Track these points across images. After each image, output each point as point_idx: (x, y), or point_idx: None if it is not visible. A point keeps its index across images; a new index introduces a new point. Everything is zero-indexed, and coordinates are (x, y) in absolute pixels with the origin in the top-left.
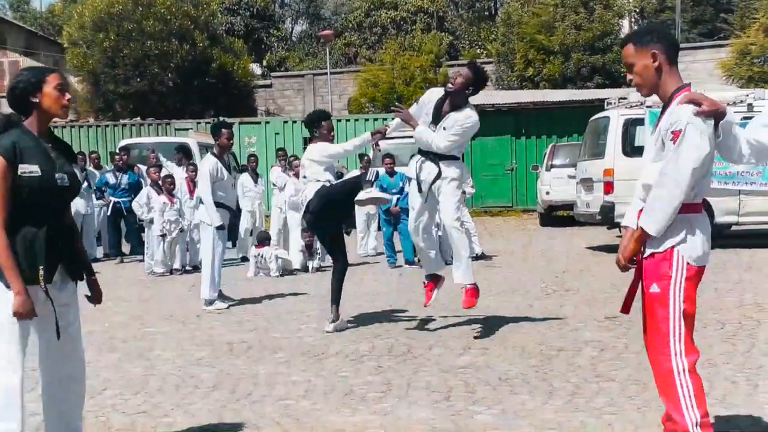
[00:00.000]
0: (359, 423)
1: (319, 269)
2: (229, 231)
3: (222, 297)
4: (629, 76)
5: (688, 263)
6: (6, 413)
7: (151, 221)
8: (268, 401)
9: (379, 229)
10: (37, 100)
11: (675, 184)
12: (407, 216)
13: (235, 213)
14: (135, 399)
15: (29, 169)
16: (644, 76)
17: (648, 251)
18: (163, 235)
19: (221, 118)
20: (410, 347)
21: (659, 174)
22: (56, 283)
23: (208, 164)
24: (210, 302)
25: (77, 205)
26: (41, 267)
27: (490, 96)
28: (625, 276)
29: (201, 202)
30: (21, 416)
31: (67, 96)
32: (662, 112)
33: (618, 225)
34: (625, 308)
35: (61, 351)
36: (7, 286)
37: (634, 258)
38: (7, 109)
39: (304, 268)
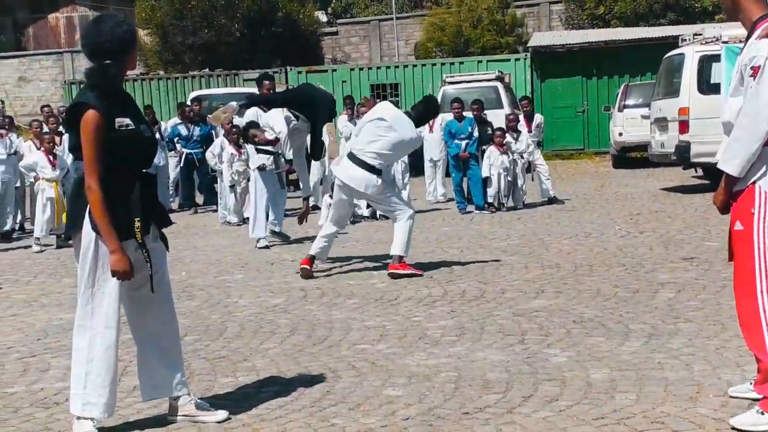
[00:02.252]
0: (433, 366)
1: (387, 216)
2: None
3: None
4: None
5: None
6: (101, 372)
7: (222, 172)
8: (343, 345)
9: (448, 175)
10: (128, 56)
11: (755, 123)
12: (476, 161)
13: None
14: (214, 344)
15: (125, 122)
16: (724, 3)
17: (734, 189)
18: (233, 186)
19: (289, 68)
20: (483, 291)
21: (740, 113)
22: (149, 235)
23: (251, 113)
24: (261, 238)
25: None
26: (137, 219)
27: (559, 36)
28: (701, 216)
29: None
30: (114, 374)
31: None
32: (745, 43)
33: (694, 165)
34: (731, 257)
35: (153, 298)
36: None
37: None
38: (85, 63)
39: (373, 215)
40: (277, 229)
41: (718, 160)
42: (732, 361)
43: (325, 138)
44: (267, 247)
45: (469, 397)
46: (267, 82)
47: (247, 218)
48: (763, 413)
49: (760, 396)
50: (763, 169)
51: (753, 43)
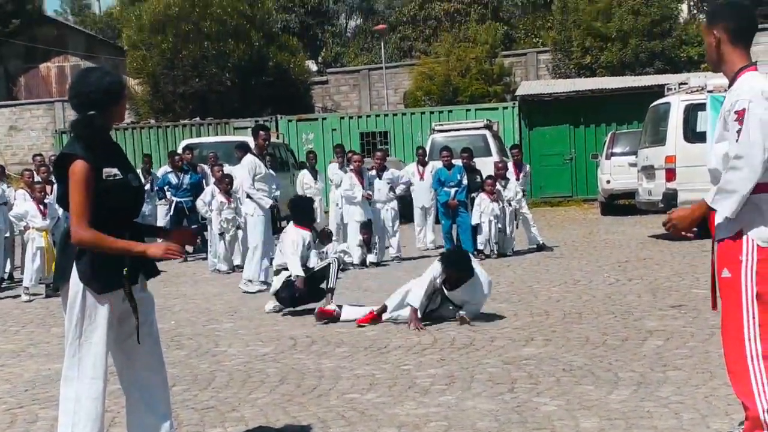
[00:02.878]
0: (423, 415)
1: (378, 264)
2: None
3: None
4: None
5: (758, 245)
6: (88, 423)
7: (211, 220)
8: (333, 395)
9: (437, 222)
10: (116, 107)
11: (748, 165)
12: (465, 209)
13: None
14: (203, 394)
15: (113, 172)
16: (709, 54)
17: (719, 237)
18: (222, 234)
19: (279, 117)
20: (472, 339)
21: (730, 157)
22: (137, 285)
23: (247, 161)
24: (250, 281)
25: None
26: (125, 269)
27: (547, 85)
28: (689, 264)
29: (247, 197)
30: (100, 425)
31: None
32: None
33: None
34: (714, 304)
35: (142, 348)
36: (98, 292)
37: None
38: (70, 113)
39: (362, 263)
40: (262, 278)
41: (711, 202)
42: (721, 410)
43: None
44: (258, 291)
45: None
46: (262, 132)
47: (237, 266)
48: None
49: None
50: (750, 216)
51: (735, 88)
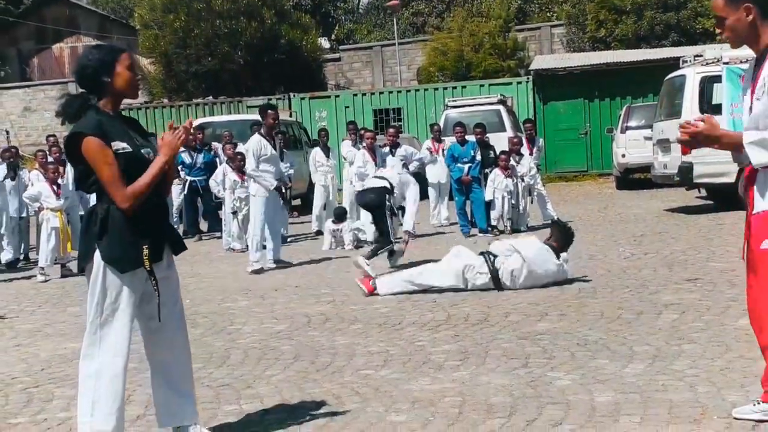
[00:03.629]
0: (437, 391)
1: None
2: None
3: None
4: (719, 29)
5: None
6: (108, 400)
7: (225, 199)
8: (347, 371)
9: (451, 198)
10: (110, 80)
11: None
12: (479, 185)
13: (278, 188)
14: (218, 372)
15: (121, 146)
16: (738, 31)
17: (757, 209)
18: (235, 212)
19: (293, 95)
20: (487, 315)
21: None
22: (163, 263)
23: (252, 142)
24: (256, 261)
25: None
26: (145, 246)
27: (561, 59)
28: (705, 237)
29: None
30: (121, 402)
31: (137, 76)
32: (757, 64)
33: (697, 185)
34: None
35: (167, 327)
36: (121, 271)
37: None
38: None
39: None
40: (276, 257)
41: (747, 143)
42: (736, 383)
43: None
44: (261, 270)
45: (473, 421)
46: (271, 111)
47: None
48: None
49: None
50: None
51: None
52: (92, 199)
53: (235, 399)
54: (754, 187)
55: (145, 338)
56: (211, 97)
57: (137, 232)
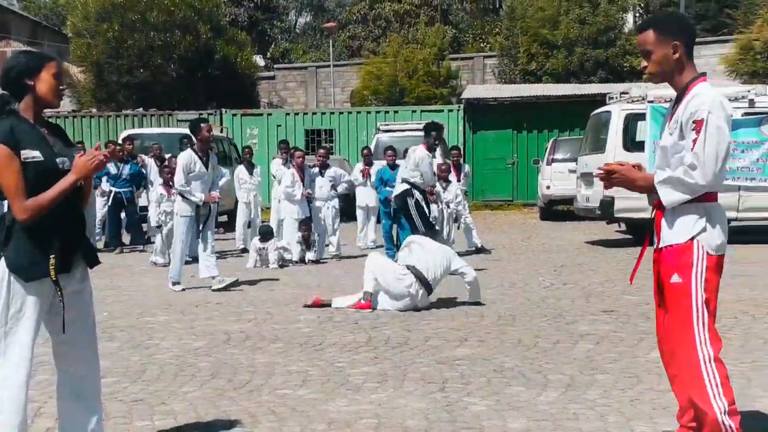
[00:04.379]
0: (354, 412)
1: (317, 261)
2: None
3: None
4: (644, 63)
5: (708, 253)
6: (9, 410)
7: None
8: (265, 390)
9: (378, 221)
10: (32, 84)
11: (701, 175)
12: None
13: (204, 207)
14: (133, 387)
15: (31, 155)
16: (663, 66)
17: (667, 242)
18: (159, 226)
19: (224, 111)
20: (407, 338)
21: (685, 164)
22: (74, 273)
23: (183, 157)
24: (176, 282)
25: None
26: (52, 256)
27: (492, 89)
28: (623, 270)
29: (178, 194)
30: (24, 413)
31: (62, 85)
32: (676, 102)
33: (617, 220)
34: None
35: (77, 340)
36: (25, 280)
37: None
38: None
39: (301, 260)
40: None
41: (657, 182)
42: (645, 414)
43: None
44: (183, 290)
45: None
46: (204, 125)
47: None
48: None
49: None
50: (702, 224)
51: (693, 99)
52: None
53: (149, 415)
54: (662, 221)
55: (54, 349)
56: (141, 109)
57: (45, 242)
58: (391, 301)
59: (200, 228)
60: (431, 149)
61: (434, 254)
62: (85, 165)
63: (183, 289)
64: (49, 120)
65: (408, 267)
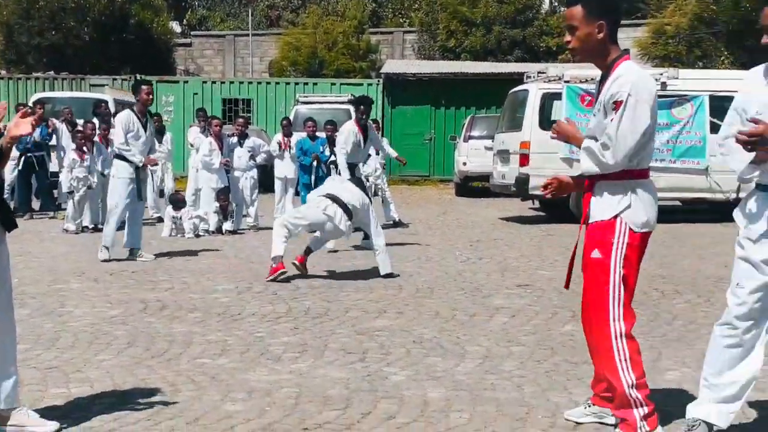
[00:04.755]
0: (274, 382)
1: (234, 232)
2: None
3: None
4: (568, 37)
5: (631, 230)
6: None
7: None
8: (183, 359)
9: (297, 194)
10: None
11: (616, 151)
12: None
13: (142, 171)
14: (46, 354)
15: None
16: (586, 44)
17: (593, 219)
18: (71, 192)
19: (139, 76)
20: (327, 309)
21: (603, 140)
22: None
23: (122, 117)
24: (106, 248)
25: None
26: None
27: (411, 65)
28: (536, 246)
29: (116, 156)
30: None
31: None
32: (601, 81)
33: (531, 197)
34: (567, 284)
35: None
36: None
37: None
38: None
39: (218, 230)
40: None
41: (582, 148)
42: (560, 384)
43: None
44: (108, 260)
45: (309, 413)
46: (144, 87)
47: (86, 226)
48: None
49: (617, 420)
50: (626, 201)
51: (617, 80)
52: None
53: (64, 382)
54: (591, 199)
55: None
56: (52, 72)
57: None
58: (318, 244)
59: (140, 192)
60: (359, 123)
61: (353, 191)
62: (19, 124)
63: (108, 259)
64: None
65: (322, 195)
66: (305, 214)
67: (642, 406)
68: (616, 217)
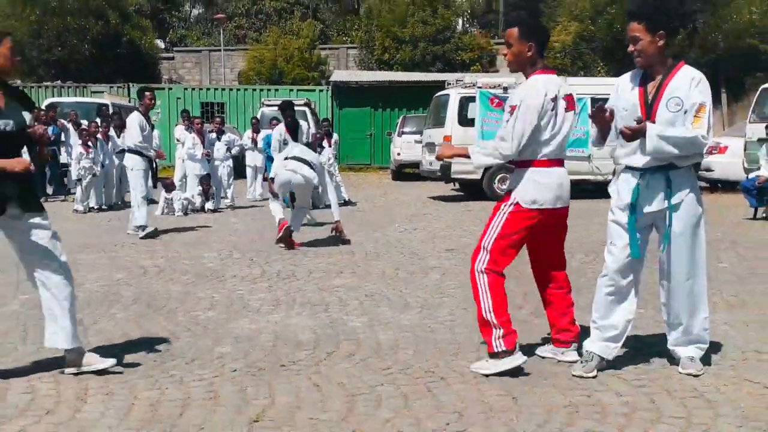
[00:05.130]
0: (255, 329)
1: (215, 210)
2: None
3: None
4: (505, 51)
5: (517, 202)
6: None
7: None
8: (179, 312)
9: (265, 179)
10: None
11: (505, 148)
12: None
13: (151, 159)
14: None
15: None
16: (518, 58)
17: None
18: (79, 179)
19: (131, 84)
20: (294, 271)
21: (498, 136)
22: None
23: (136, 118)
24: (143, 227)
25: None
26: None
27: (354, 75)
28: (459, 219)
29: (126, 150)
30: None
31: (18, 58)
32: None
33: (453, 180)
34: None
35: (35, 258)
36: None
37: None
38: None
39: (202, 209)
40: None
41: (472, 152)
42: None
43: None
44: (155, 233)
45: (285, 353)
46: (148, 93)
47: (92, 207)
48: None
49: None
50: (516, 182)
51: (517, 88)
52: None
53: (83, 335)
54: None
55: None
56: (59, 82)
57: None
58: (296, 221)
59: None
60: (287, 125)
61: (305, 149)
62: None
63: (155, 230)
64: (11, 86)
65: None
66: (276, 181)
67: (498, 328)
68: (509, 192)
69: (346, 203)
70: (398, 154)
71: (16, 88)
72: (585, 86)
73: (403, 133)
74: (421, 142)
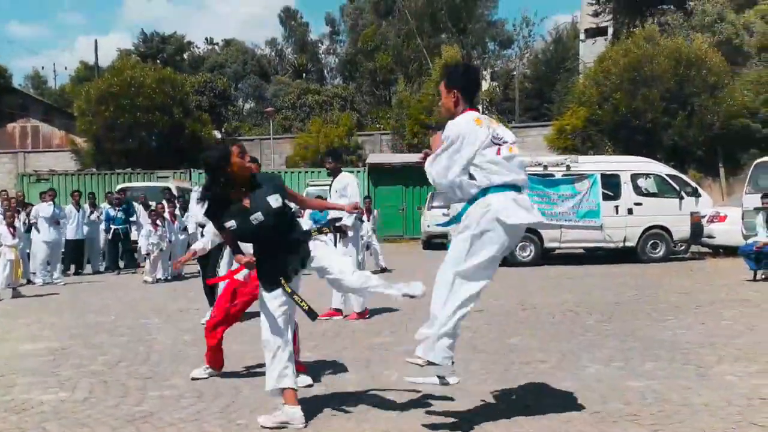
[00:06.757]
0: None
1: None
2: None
3: None
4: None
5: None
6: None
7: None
8: (238, 366)
9: None
10: (229, 169)
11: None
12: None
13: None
14: (142, 368)
15: (228, 224)
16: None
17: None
18: (148, 254)
19: (193, 170)
20: (338, 333)
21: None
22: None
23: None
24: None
25: (84, 231)
26: (281, 278)
27: (387, 157)
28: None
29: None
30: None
31: (248, 157)
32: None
33: None
34: None
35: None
36: (267, 290)
37: None
38: (29, 162)
39: None
40: None
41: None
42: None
43: None
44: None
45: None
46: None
47: (159, 279)
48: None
49: None
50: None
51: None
52: (36, 237)
53: (158, 387)
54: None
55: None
56: (130, 169)
57: (272, 269)
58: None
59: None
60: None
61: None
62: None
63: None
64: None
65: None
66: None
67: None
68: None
69: (383, 270)
70: (428, 226)
71: (262, 175)
72: (594, 163)
73: (432, 207)
74: (448, 215)
